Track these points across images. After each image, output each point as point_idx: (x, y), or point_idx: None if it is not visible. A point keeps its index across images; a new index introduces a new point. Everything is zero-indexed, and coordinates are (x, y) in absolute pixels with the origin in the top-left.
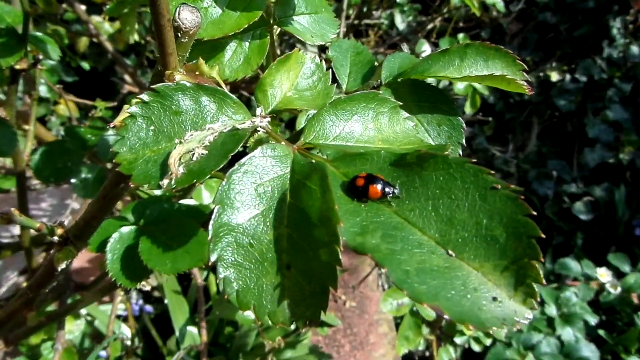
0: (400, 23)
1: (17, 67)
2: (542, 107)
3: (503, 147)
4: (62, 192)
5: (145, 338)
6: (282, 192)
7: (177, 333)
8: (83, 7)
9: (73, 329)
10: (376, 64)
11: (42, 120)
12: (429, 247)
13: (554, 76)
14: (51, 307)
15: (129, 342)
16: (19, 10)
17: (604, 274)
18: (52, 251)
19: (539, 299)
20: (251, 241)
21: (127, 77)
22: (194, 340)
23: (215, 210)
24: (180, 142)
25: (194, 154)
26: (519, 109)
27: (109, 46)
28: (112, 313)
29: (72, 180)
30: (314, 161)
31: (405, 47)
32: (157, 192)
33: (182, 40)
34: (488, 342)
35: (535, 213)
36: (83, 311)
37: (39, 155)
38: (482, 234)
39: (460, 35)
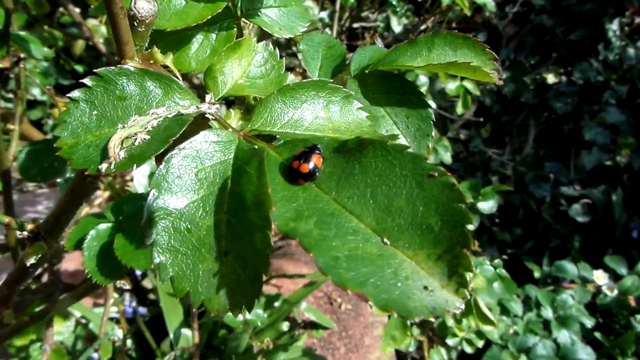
0: (396, 26)
1: (0, 65)
2: (538, 110)
3: (500, 150)
4: (57, 194)
5: (139, 340)
6: (224, 178)
7: (171, 335)
8: (77, 10)
9: (62, 330)
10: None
11: (38, 124)
12: (364, 235)
13: (550, 79)
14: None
15: (120, 344)
16: (0, 9)
17: (600, 277)
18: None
19: (470, 289)
20: (189, 226)
21: None
22: (188, 343)
23: (151, 194)
24: (123, 127)
25: (136, 138)
26: (515, 111)
27: (103, 49)
28: (104, 315)
29: (58, 180)
30: (256, 147)
31: (379, 41)
32: (140, 190)
33: (139, 29)
34: (480, 344)
35: (470, 200)
36: (77, 314)
37: (25, 154)
38: (418, 222)
39: None
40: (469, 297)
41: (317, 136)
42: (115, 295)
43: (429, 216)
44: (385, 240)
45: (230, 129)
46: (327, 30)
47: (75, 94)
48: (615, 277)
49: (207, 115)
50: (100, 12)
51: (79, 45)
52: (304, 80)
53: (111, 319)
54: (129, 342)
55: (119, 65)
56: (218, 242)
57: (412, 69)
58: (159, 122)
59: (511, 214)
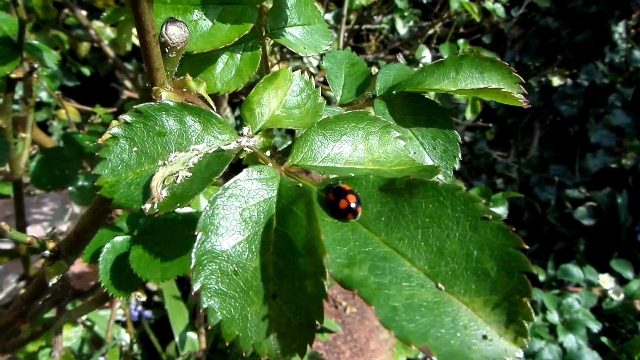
0: (402, 28)
1: (13, 75)
2: (543, 112)
3: (505, 152)
4: (63, 196)
5: (145, 344)
6: (268, 217)
7: (176, 339)
8: (84, 13)
9: (71, 335)
10: (374, 70)
11: (43, 125)
12: (418, 280)
13: (556, 81)
14: (50, 314)
15: (127, 349)
16: (15, 19)
17: (606, 281)
18: (43, 264)
19: (529, 337)
20: (236, 269)
21: (127, 83)
22: (193, 346)
23: (198, 238)
24: (164, 164)
25: (177, 176)
26: (520, 113)
27: (109, 51)
28: (111, 319)
29: (69, 188)
30: (300, 185)
31: (400, 57)
32: None
33: (170, 55)
34: None
35: (527, 247)
36: (82, 317)
37: (36, 162)
38: (473, 266)
39: (461, 41)
40: (527, 346)
41: (358, 169)
42: (121, 298)
43: (484, 261)
44: (439, 285)
45: (270, 164)
46: (334, 32)
47: (115, 130)
48: (621, 280)
49: (245, 149)
50: (112, 19)
51: (84, 47)
52: (344, 112)
53: (117, 322)
54: (135, 347)
55: (158, 101)
56: (265, 284)
57: (442, 92)
58: (199, 158)
59: (516, 217)
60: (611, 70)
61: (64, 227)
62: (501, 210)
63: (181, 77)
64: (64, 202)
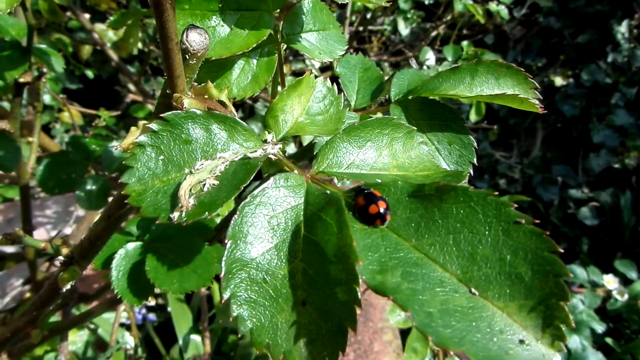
0: (404, 29)
1: (21, 80)
2: (546, 113)
3: (507, 153)
4: (66, 199)
5: (148, 346)
6: (296, 224)
7: (180, 341)
8: (87, 16)
9: (76, 339)
10: (386, 76)
11: (46, 128)
12: (451, 286)
13: (558, 81)
14: (55, 317)
15: (132, 352)
16: (23, 23)
17: (610, 281)
18: (56, 270)
19: (567, 341)
20: (265, 277)
21: (130, 86)
22: (197, 349)
23: (227, 246)
24: (191, 172)
25: (204, 184)
26: (523, 114)
27: (113, 55)
28: (115, 322)
29: (77, 192)
30: (328, 192)
31: (413, 62)
32: None
33: (190, 62)
34: None
35: (561, 250)
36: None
37: (43, 166)
38: (506, 271)
39: (464, 43)
40: (565, 350)
41: (383, 175)
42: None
43: (517, 265)
44: (473, 290)
45: (296, 171)
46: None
47: (142, 139)
48: (625, 281)
49: (271, 157)
50: (120, 23)
51: (87, 49)
52: (369, 119)
53: (121, 325)
54: (139, 351)
55: (180, 107)
56: (294, 291)
57: (458, 98)
58: (226, 166)
59: None
60: (614, 70)
61: (68, 230)
62: None
63: (202, 84)
64: (67, 205)
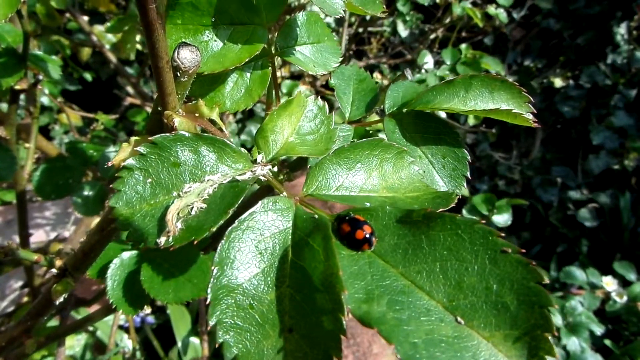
0: (403, 31)
1: (17, 87)
2: (546, 114)
3: (507, 154)
4: (65, 201)
5: (147, 349)
6: (284, 248)
7: (179, 344)
8: (85, 18)
9: (74, 344)
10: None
11: (45, 129)
12: (437, 314)
13: (558, 82)
14: (53, 322)
15: (130, 355)
16: (19, 30)
17: (609, 283)
18: (51, 278)
19: None
20: (251, 302)
21: (129, 88)
22: (196, 351)
23: (214, 273)
24: (179, 195)
25: (192, 207)
26: None
27: (111, 57)
28: (113, 325)
29: (74, 198)
30: (316, 216)
31: (408, 73)
32: None
33: (182, 79)
34: None
35: (547, 281)
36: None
37: (40, 172)
38: (492, 300)
39: (463, 46)
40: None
41: (373, 197)
42: None
43: (504, 294)
44: (459, 319)
45: (284, 193)
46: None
47: (130, 162)
48: (624, 283)
49: (260, 178)
50: (117, 29)
51: (86, 51)
52: (360, 141)
53: (119, 327)
54: (138, 354)
55: (175, 127)
56: (281, 318)
57: (453, 111)
58: (214, 189)
59: (518, 218)
60: (613, 71)
61: (66, 232)
62: (505, 217)
63: (193, 102)
64: (66, 207)
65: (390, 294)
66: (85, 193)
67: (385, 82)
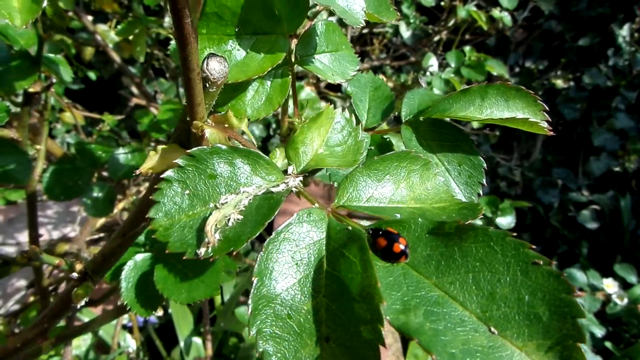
0: (405, 32)
1: (31, 89)
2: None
3: (508, 155)
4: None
5: (149, 348)
6: (318, 259)
7: (181, 344)
8: (90, 18)
9: (80, 343)
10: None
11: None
12: (471, 325)
13: (559, 84)
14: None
15: (134, 355)
16: (32, 32)
17: (610, 285)
18: (61, 276)
19: None
20: (289, 312)
21: (133, 89)
22: (198, 351)
23: (254, 283)
24: (216, 207)
25: (229, 219)
26: None
27: (115, 57)
28: (117, 324)
29: (83, 200)
30: (350, 227)
31: (422, 80)
32: None
33: (210, 90)
34: None
35: (579, 293)
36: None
37: (50, 173)
38: (525, 310)
39: (467, 48)
40: None
41: (401, 208)
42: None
43: (536, 305)
44: (492, 329)
45: (316, 205)
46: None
47: (169, 174)
48: (625, 285)
49: (292, 189)
50: (128, 32)
51: (89, 50)
52: (388, 153)
53: (122, 327)
54: (140, 354)
55: (206, 138)
56: (318, 327)
57: (469, 119)
58: (249, 200)
59: (519, 220)
60: (615, 73)
61: (69, 230)
62: (509, 219)
63: (222, 113)
64: (67, 206)
65: (426, 305)
66: (95, 194)
67: (390, 84)
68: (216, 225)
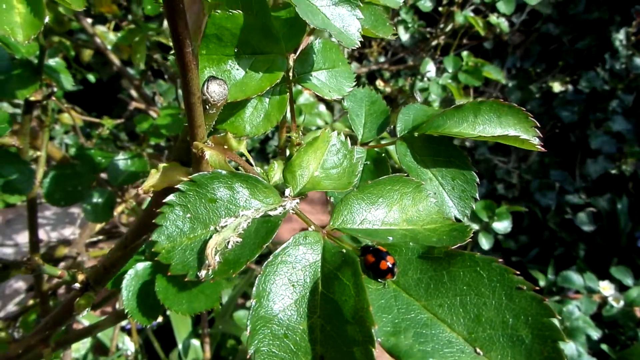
0: (404, 35)
1: (32, 98)
2: (544, 118)
3: (505, 158)
4: None
5: (148, 351)
6: (314, 280)
7: (179, 346)
8: (89, 20)
9: (79, 346)
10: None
11: None
12: (458, 346)
13: (557, 87)
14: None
15: (132, 357)
16: (36, 43)
17: (606, 287)
18: (59, 286)
19: None
20: (286, 332)
21: (132, 92)
22: (196, 353)
23: (252, 305)
24: (216, 230)
25: (229, 242)
26: None
27: (114, 59)
28: (116, 327)
29: (83, 205)
30: (344, 250)
31: (418, 95)
32: None
33: (210, 111)
34: None
35: (559, 317)
36: (85, 323)
37: (50, 179)
38: (509, 333)
39: (464, 53)
40: None
41: (394, 230)
42: None
43: (519, 328)
44: (478, 350)
45: (312, 227)
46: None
47: (171, 198)
48: (621, 287)
49: (290, 212)
50: (128, 40)
51: (88, 52)
52: (382, 178)
53: (121, 328)
54: (139, 356)
55: (205, 160)
56: (313, 346)
57: (462, 136)
58: (248, 223)
59: (516, 222)
60: (612, 76)
61: (67, 231)
62: (505, 224)
63: (222, 134)
64: (66, 207)
65: (415, 327)
66: (95, 200)
67: (388, 89)
68: (216, 247)
